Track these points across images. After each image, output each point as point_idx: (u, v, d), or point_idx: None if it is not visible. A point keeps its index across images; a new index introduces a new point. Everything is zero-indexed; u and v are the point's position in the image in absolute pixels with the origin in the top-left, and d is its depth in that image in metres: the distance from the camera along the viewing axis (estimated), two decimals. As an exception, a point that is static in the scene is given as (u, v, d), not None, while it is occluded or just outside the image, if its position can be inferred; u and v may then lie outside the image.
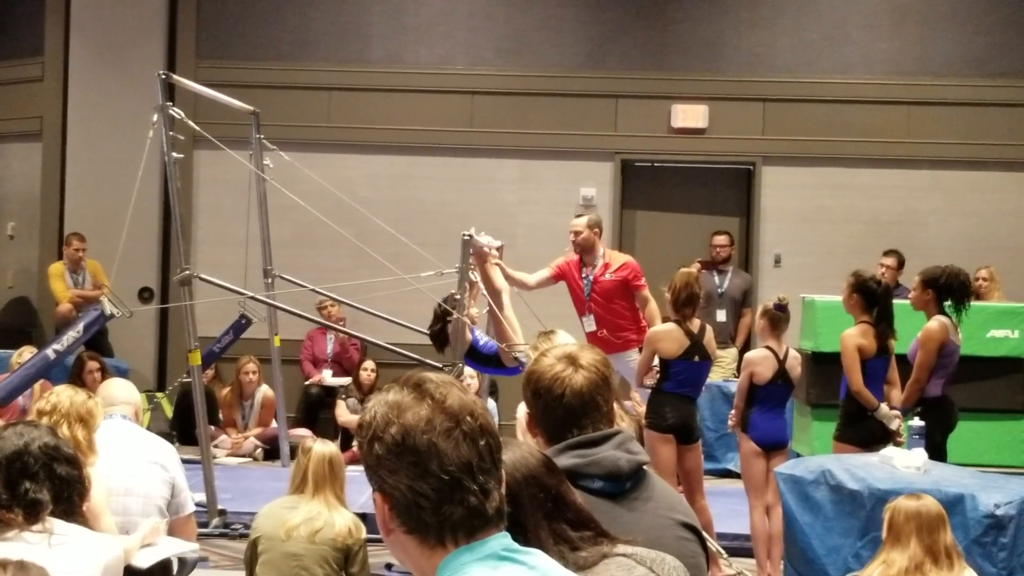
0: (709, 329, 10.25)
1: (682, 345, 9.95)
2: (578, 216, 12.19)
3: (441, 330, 9.96)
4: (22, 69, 16.64)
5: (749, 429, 9.77)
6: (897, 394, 9.61)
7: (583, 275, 11.76)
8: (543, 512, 3.01)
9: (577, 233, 11.78)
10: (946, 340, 9.52)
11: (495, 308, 9.59)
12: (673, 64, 16.10)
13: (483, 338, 9.92)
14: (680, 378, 9.96)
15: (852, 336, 9.53)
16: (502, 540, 2.46)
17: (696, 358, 10.00)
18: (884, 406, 9.42)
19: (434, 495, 2.41)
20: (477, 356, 9.83)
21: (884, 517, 6.59)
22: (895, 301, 12.51)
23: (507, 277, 10.80)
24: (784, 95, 15.94)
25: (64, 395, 6.54)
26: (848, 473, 8.03)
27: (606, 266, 11.68)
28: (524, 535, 2.92)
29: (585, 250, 11.74)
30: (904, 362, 9.74)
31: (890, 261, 14.51)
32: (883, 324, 9.56)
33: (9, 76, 16.77)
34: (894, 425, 9.36)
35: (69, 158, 16.29)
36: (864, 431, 9.42)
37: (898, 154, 15.88)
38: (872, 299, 9.58)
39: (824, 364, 11.90)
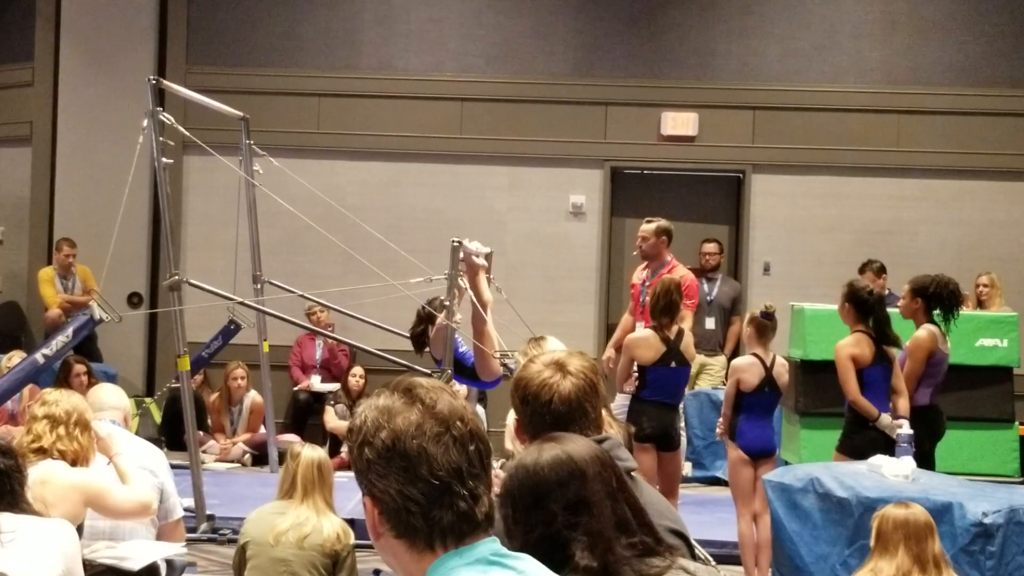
0: (688, 334, 10.25)
1: (658, 352, 9.96)
2: (647, 222, 11.97)
3: (422, 332, 9.96)
4: (12, 74, 16.63)
5: (736, 437, 9.76)
6: (904, 403, 9.43)
7: (644, 281, 11.58)
8: (607, 490, 3.05)
9: (644, 239, 11.65)
10: (934, 349, 9.52)
11: (480, 319, 9.55)
12: (663, 72, 16.12)
13: (463, 346, 9.91)
14: (657, 385, 9.97)
15: (846, 346, 9.49)
16: (491, 545, 2.47)
17: (673, 364, 10.01)
18: (886, 416, 9.29)
19: (424, 500, 2.42)
20: (456, 365, 9.81)
21: (872, 525, 6.59)
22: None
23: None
24: (774, 103, 15.96)
25: (61, 405, 6.47)
26: (836, 481, 8.03)
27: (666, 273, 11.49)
28: (589, 511, 2.94)
29: (650, 256, 11.57)
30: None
31: (868, 276, 14.44)
32: (881, 333, 9.50)
33: (-1, 81, 16.78)
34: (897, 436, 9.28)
35: (59, 163, 16.28)
36: (864, 442, 9.31)
37: (888, 163, 15.90)
38: (865, 309, 9.53)
39: (813, 372, 11.92)
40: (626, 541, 3.02)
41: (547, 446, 3.09)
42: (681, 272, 11.57)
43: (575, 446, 3.08)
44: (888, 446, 9.29)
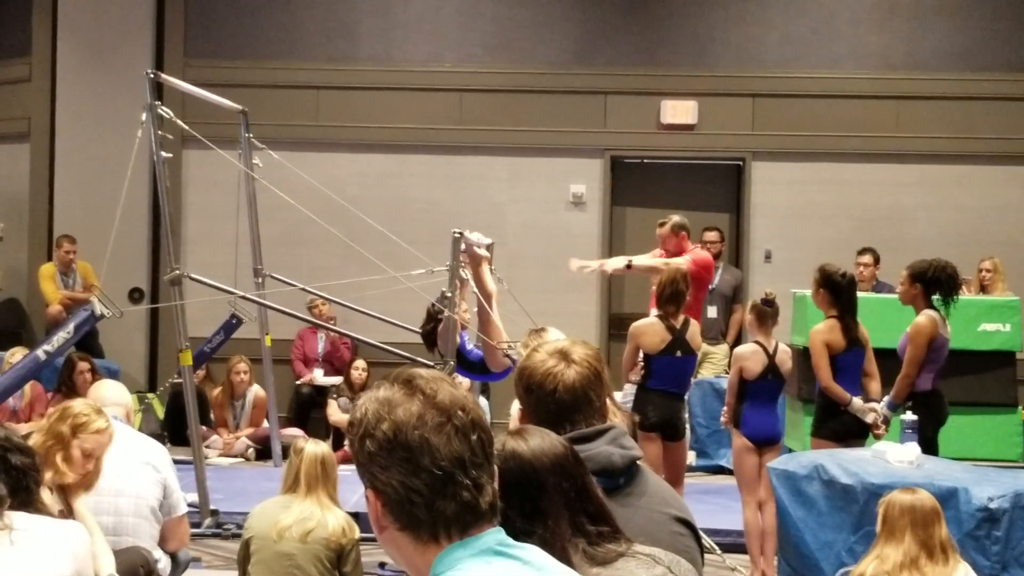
0: (694, 324, 10.22)
1: (663, 340, 9.93)
2: (660, 224, 11.96)
3: (433, 330, 9.93)
4: (10, 69, 16.61)
5: (740, 425, 9.75)
6: (876, 386, 9.60)
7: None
8: (566, 501, 3.02)
9: (664, 240, 11.70)
10: (935, 334, 9.50)
11: (485, 310, 9.53)
12: (662, 60, 16.10)
13: (469, 343, 9.88)
14: (663, 374, 9.95)
15: (819, 332, 9.53)
16: (496, 535, 2.45)
17: (678, 353, 9.99)
18: (857, 400, 9.41)
19: (427, 491, 2.39)
20: (462, 361, 9.78)
21: (878, 511, 6.57)
22: (877, 296, 12.58)
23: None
24: (773, 90, 15.95)
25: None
26: (841, 468, 8.02)
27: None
28: (544, 522, 2.92)
29: (677, 255, 11.55)
30: (891, 356, 9.73)
31: (866, 259, 14.58)
32: (847, 317, 9.53)
33: (-3, 77, 16.76)
34: (869, 419, 9.37)
35: (58, 158, 16.27)
36: (838, 426, 9.42)
37: (887, 149, 15.89)
38: (838, 293, 9.56)
39: (816, 359, 11.87)
40: (583, 543, 3.01)
41: (511, 443, 3.08)
42: (693, 256, 11.58)
43: (539, 450, 3.06)
44: (862, 429, 9.37)
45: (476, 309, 9.77)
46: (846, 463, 8.11)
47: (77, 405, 6.44)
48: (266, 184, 12.20)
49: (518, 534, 2.61)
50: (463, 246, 9.64)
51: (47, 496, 5.95)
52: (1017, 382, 13.10)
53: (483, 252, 9.78)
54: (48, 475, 6.04)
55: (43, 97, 16.35)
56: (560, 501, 3.01)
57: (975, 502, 7.52)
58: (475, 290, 9.60)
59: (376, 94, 16.12)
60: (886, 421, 9.47)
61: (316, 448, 7.21)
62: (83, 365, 13.37)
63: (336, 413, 14.59)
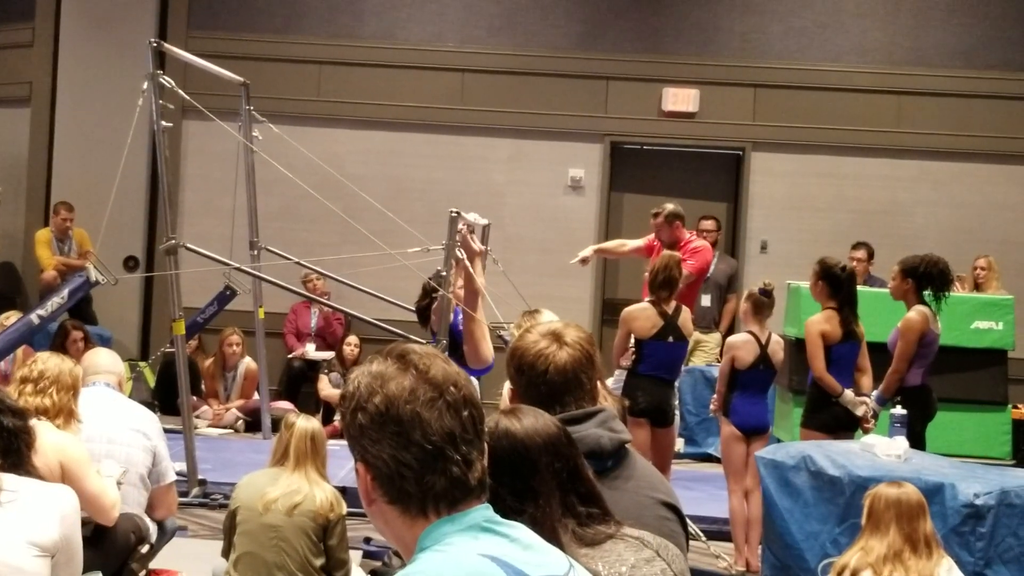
0: (686, 310, 10.25)
1: (655, 325, 9.96)
2: (654, 215, 12.06)
3: (427, 306, 9.89)
4: (12, 34, 16.57)
5: (730, 414, 9.78)
6: (867, 381, 9.61)
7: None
8: (557, 482, 3.04)
9: (659, 229, 11.78)
10: (926, 329, 9.51)
11: (470, 305, 9.41)
12: (665, 47, 16.09)
13: (462, 324, 9.79)
14: (654, 359, 9.97)
15: (816, 322, 9.54)
16: (484, 512, 2.46)
17: (670, 339, 10.01)
18: (849, 392, 9.42)
19: (417, 465, 2.41)
20: (453, 341, 9.69)
21: (864, 504, 6.59)
22: (869, 290, 12.63)
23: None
24: (775, 81, 15.94)
25: (51, 362, 6.53)
26: (829, 459, 8.03)
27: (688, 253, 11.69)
28: (535, 501, 2.94)
29: (672, 244, 11.64)
30: (882, 350, 9.74)
31: (860, 254, 14.59)
32: (847, 310, 9.54)
33: (-1, 41, 16.73)
34: (860, 411, 9.38)
35: (57, 124, 16.24)
36: (829, 417, 9.43)
37: (887, 143, 15.89)
38: (837, 285, 9.57)
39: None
40: (573, 524, 3.03)
41: (504, 422, 3.09)
42: (695, 244, 11.70)
43: (532, 429, 3.07)
44: (852, 422, 9.39)
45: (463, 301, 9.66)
46: (834, 455, 8.13)
47: (53, 368, 6.50)
48: (265, 157, 12.19)
49: (509, 512, 2.63)
50: (460, 225, 9.56)
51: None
52: (1008, 380, 13.11)
53: (478, 246, 9.60)
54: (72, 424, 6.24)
55: (45, 62, 16.32)
56: (551, 481, 3.02)
57: (961, 498, 7.53)
58: (465, 282, 9.43)
59: (378, 71, 16.10)
60: (875, 415, 9.50)
61: (307, 424, 7.22)
62: (76, 334, 13.36)
63: (327, 388, 14.61)
